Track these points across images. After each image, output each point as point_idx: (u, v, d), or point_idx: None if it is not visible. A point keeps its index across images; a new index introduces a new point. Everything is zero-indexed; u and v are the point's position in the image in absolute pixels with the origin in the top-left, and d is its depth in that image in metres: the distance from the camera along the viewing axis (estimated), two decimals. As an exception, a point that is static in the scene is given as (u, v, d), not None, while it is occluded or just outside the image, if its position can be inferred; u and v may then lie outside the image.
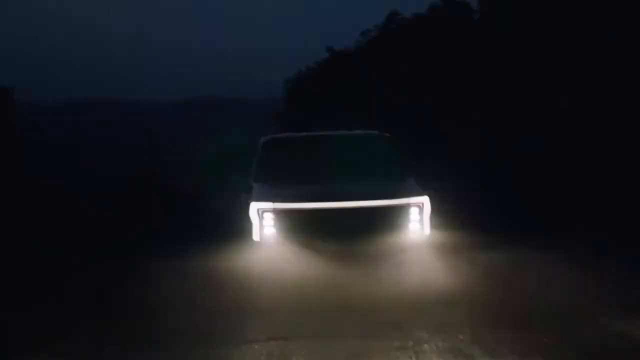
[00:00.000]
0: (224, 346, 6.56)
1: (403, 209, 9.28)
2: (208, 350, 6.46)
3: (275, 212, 9.16)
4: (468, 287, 8.35)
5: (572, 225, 12.07)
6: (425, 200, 9.35)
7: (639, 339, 6.55)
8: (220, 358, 6.29)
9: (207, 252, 9.90)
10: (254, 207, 9.23)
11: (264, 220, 9.17)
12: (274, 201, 9.21)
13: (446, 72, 19.09)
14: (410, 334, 6.74)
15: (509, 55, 17.52)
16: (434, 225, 9.44)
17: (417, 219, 9.29)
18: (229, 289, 8.44)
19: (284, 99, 23.43)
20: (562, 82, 16.43)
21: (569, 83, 16.33)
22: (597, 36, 16.26)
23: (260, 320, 7.43)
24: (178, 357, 6.40)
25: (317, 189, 9.42)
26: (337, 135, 11.33)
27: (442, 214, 9.89)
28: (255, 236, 9.17)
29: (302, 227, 9.09)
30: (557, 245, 10.49)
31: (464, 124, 18.25)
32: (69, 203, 19.01)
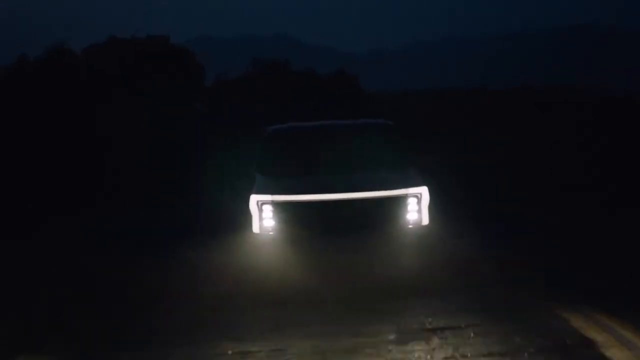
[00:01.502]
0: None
1: (401, 200, 9.28)
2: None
3: (274, 204, 9.22)
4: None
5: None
6: (423, 190, 9.34)
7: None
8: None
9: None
10: (254, 199, 9.29)
11: (263, 212, 9.22)
12: (272, 193, 9.27)
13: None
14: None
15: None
16: (433, 215, 9.44)
17: (416, 210, 9.29)
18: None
19: None
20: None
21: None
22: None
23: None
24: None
25: (316, 180, 9.44)
26: (341, 124, 11.30)
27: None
28: (255, 228, 9.24)
29: (300, 219, 9.13)
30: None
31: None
32: None
